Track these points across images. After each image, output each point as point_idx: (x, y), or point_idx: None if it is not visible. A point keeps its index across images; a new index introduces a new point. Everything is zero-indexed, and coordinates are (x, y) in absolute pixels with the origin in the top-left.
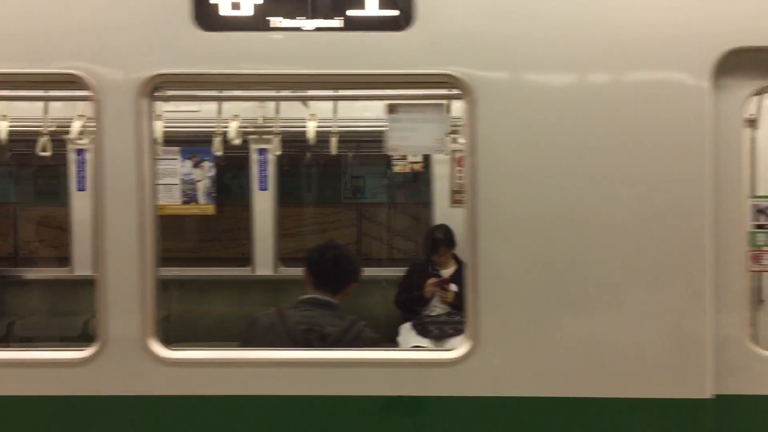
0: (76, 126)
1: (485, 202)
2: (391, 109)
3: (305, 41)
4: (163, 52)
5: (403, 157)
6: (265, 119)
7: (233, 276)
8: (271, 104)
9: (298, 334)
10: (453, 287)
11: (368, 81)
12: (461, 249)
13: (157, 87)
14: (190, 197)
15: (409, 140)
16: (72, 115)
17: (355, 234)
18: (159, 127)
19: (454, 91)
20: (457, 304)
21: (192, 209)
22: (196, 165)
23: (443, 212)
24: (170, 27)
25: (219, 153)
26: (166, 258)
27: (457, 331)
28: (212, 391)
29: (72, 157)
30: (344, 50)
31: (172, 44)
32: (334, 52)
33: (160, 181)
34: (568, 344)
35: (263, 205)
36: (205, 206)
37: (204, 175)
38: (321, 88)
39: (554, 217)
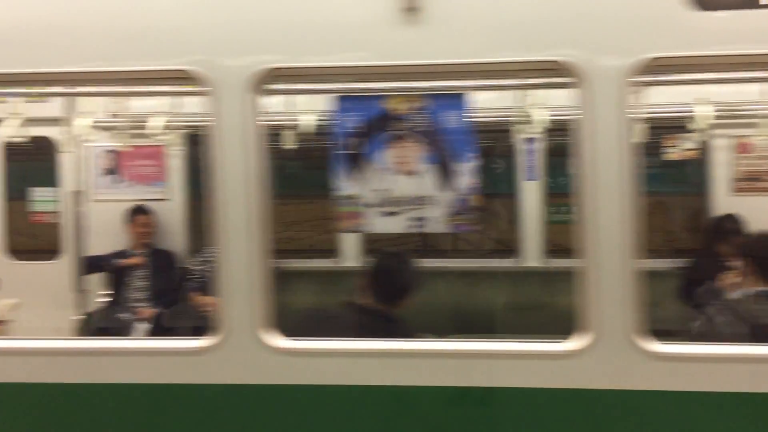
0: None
1: None
2: None
3: None
4: (659, 34)
5: (676, 144)
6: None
7: (501, 267)
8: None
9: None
10: None
11: None
12: None
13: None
14: None
15: None
16: None
17: None
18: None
19: None
20: None
21: None
22: None
23: (722, 201)
24: (664, 7)
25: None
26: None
27: None
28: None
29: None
30: None
31: (668, 25)
32: None
33: None
34: None
35: (531, 195)
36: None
37: None
38: None
39: None
